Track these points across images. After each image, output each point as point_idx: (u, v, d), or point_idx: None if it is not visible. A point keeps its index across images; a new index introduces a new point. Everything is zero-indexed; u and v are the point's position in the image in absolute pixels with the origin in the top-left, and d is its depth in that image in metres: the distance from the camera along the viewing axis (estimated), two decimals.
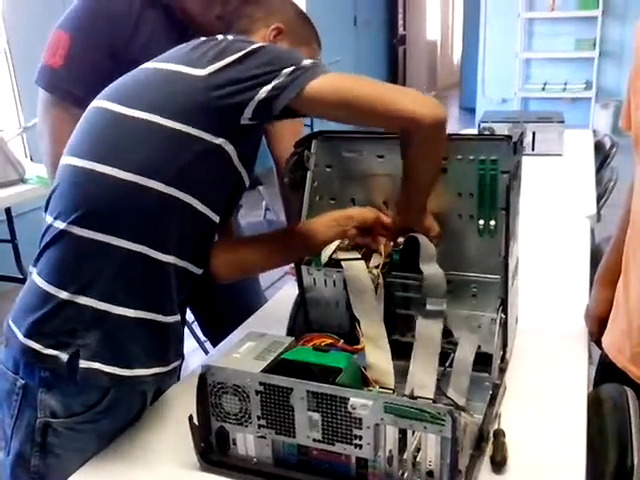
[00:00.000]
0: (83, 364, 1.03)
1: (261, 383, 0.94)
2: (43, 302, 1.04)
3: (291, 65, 1.01)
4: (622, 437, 1.01)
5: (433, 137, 1.05)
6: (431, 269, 1.16)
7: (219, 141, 1.03)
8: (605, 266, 1.39)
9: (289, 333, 1.25)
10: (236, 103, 1.01)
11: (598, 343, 1.35)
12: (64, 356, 1.02)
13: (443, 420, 0.84)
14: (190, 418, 0.99)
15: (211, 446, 1.01)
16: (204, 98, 1.01)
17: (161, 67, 1.06)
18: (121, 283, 1.04)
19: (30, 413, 1.06)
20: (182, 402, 1.05)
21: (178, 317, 1.12)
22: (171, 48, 1.11)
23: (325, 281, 1.29)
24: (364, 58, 8.71)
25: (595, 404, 1.14)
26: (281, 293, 1.68)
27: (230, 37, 1.07)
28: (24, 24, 3.67)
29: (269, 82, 1.00)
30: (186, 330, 2.17)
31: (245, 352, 1.04)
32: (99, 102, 1.08)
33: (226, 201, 1.14)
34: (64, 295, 1.02)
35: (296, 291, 1.32)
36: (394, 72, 9.96)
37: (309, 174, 1.30)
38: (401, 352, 1.21)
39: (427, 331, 1.14)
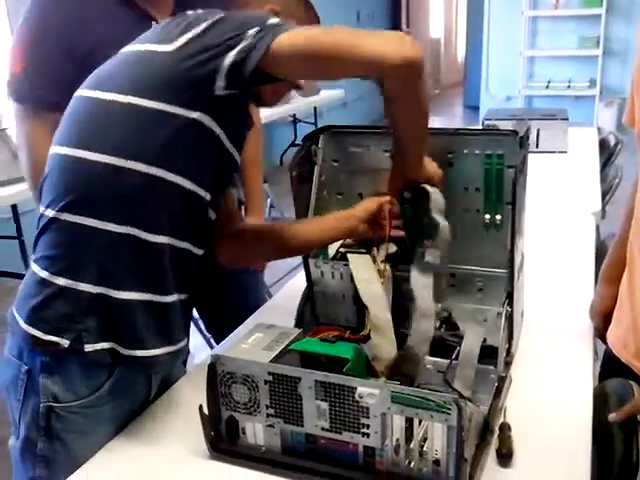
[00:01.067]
0: (88, 347, 1.05)
1: (270, 373, 0.95)
2: (41, 289, 1.06)
3: (256, 26, 0.99)
4: (628, 431, 1.02)
5: (407, 78, 0.99)
6: (442, 220, 1.18)
7: (195, 115, 1.02)
8: (609, 262, 1.40)
9: (297, 326, 1.26)
10: (206, 73, 1.00)
11: (603, 339, 1.36)
12: (65, 342, 1.05)
13: (449, 409, 0.85)
14: (200, 408, 1.00)
15: (221, 435, 1.02)
16: (174, 72, 1.01)
17: (134, 49, 1.06)
18: (114, 266, 1.05)
19: (35, 398, 1.08)
20: (192, 393, 1.06)
21: (177, 297, 1.12)
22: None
23: (332, 274, 1.30)
24: None
25: (600, 398, 1.15)
26: (288, 286, 1.69)
27: (199, 11, 1.05)
28: None
29: (235, 46, 0.98)
30: (192, 327, 2.20)
31: (254, 343, 1.05)
32: (80, 91, 1.09)
33: (215, 178, 1.13)
34: (60, 282, 1.04)
35: (304, 284, 1.34)
36: None
37: (316, 168, 1.32)
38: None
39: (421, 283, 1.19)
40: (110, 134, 1.04)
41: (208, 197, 1.11)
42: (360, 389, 0.90)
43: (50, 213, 1.05)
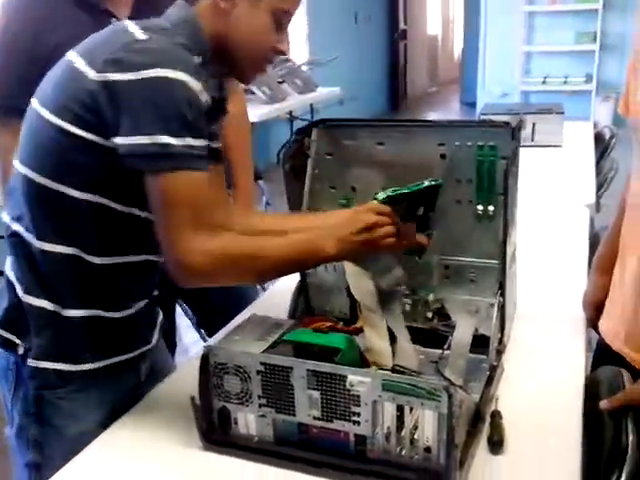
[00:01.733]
0: (31, 363, 1.10)
1: (262, 363, 0.96)
2: (7, 293, 1.12)
3: (159, 133, 0.95)
4: (617, 418, 1.02)
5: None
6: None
7: (112, 143, 0.99)
8: (601, 253, 1.41)
9: (291, 318, 1.27)
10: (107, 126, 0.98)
11: (595, 328, 1.37)
12: (20, 349, 1.10)
13: (439, 396, 0.86)
14: (192, 398, 1.01)
15: (213, 426, 1.03)
16: (90, 100, 0.98)
17: (69, 58, 1.04)
18: (64, 285, 1.08)
19: (24, 387, 1.11)
20: (185, 384, 1.07)
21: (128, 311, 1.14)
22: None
23: (326, 266, 1.31)
24: (365, 53, 8.72)
25: (592, 386, 1.15)
26: (284, 279, 1.69)
27: (136, 36, 1.00)
28: None
29: (129, 135, 0.96)
30: (187, 321, 2.21)
31: (246, 334, 1.05)
32: (32, 100, 1.08)
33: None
34: (19, 292, 1.09)
35: (297, 277, 1.34)
36: (395, 67, 9.97)
37: (310, 161, 1.32)
38: None
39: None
40: (39, 153, 1.04)
41: (142, 213, 1.07)
42: (351, 377, 0.90)
43: (13, 226, 1.09)
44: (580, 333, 1.37)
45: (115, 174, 1.01)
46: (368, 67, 8.86)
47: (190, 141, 0.97)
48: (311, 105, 6.03)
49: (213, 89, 1.07)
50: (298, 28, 6.78)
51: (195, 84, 0.97)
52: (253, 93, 4.93)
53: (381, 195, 1.12)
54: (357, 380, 0.90)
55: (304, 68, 5.89)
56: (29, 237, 1.07)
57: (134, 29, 1.01)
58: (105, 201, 1.04)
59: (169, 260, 1.01)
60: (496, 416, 1.04)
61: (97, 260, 1.07)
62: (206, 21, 1.06)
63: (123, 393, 1.18)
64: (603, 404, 1.04)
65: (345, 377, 0.91)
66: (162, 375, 1.26)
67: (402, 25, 10.03)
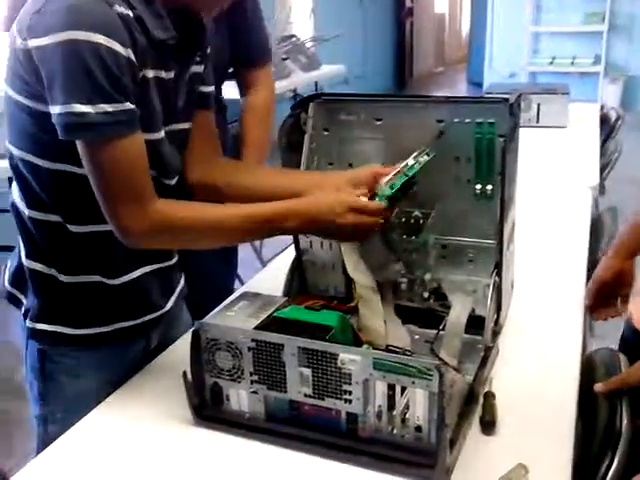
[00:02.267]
0: (29, 324, 1.13)
1: (253, 339, 0.95)
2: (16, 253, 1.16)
3: (72, 101, 0.91)
4: (613, 402, 1.01)
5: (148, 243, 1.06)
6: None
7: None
8: (621, 241, 1.40)
9: (286, 292, 1.26)
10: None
11: (591, 311, 1.36)
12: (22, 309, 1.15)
13: (430, 375, 0.85)
14: (184, 374, 1.00)
15: (205, 402, 1.02)
16: (22, 69, 0.96)
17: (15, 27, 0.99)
18: (56, 251, 1.10)
19: (32, 342, 1.15)
20: (177, 360, 1.06)
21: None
22: None
23: (322, 244, 1.30)
24: (371, 31, 8.63)
25: (588, 369, 1.15)
26: (277, 259, 1.69)
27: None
28: None
29: (51, 103, 0.93)
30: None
31: (238, 310, 1.04)
32: None
33: None
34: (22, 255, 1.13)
35: (292, 256, 1.33)
36: (401, 46, 9.87)
37: (306, 137, 1.30)
38: (402, 317, 1.22)
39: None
40: (11, 127, 1.05)
41: None
42: (342, 355, 0.89)
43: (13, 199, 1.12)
44: (578, 315, 1.36)
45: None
46: (374, 45, 8.77)
47: (105, 107, 0.92)
48: (316, 83, 5.98)
49: (162, 29, 1.00)
50: (302, 3, 6.71)
51: (109, 42, 0.91)
52: None
53: (385, 192, 1.10)
54: (348, 358, 0.89)
55: (308, 45, 5.83)
56: (22, 206, 1.09)
57: None
58: (68, 167, 1.02)
59: (111, 225, 1.01)
60: (489, 397, 1.03)
61: (75, 228, 1.07)
62: None
63: (130, 358, 1.19)
64: (598, 387, 1.03)
65: (336, 355, 0.90)
66: None
67: (409, 3, 9.91)
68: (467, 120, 1.21)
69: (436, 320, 1.23)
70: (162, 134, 1.08)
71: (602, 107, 3.51)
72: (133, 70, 0.96)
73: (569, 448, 0.96)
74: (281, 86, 5.08)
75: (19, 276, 1.15)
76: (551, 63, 7.28)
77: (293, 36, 5.63)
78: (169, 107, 1.09)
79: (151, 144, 1.03)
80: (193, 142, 1.19)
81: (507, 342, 1.23)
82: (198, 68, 1.16)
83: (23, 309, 1.15)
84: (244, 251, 3.35)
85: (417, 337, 1.24)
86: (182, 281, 1.32)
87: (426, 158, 1.16)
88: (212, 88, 1.22)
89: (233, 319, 1.02)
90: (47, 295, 1.12)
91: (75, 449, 1.01)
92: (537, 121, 3.01)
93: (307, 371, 0.93)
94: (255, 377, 0.97)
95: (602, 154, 2.67)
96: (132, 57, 0.95)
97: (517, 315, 1.31)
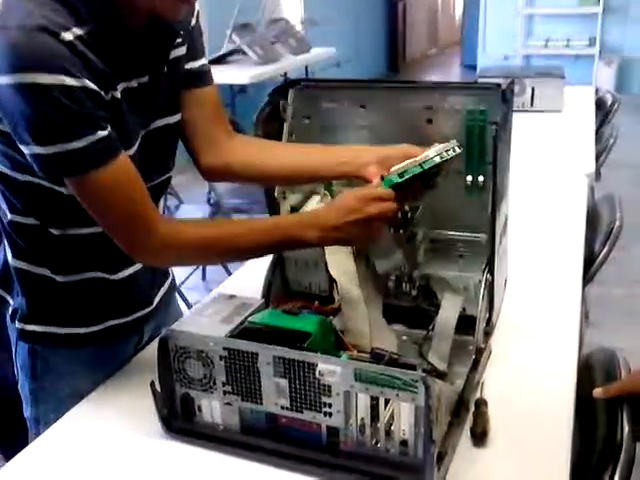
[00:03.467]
0: (18, 325, 1.09)
1: (225, 348, 0.88)
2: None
3: (36, 143, 0.86)
4: (612, 408, 0.95)
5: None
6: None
7: None
8: None
9: (264, 295, 1.18)
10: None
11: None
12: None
13: (416, 387, 0.78)
14: (152, 384, 0.93)
15: (175, 413, 0.95)
16: None
17: None
18: (40, 251, 1.06)
19: (21, 343, 1.11)
20: (146, 369, 0.99)
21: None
22: None
23: None
24: (363, 14, 8.49)
25: (585, 371, 1.08)
26: None
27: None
28: None
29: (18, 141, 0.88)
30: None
31: (211, 315, 0.97)
32: None
33: None
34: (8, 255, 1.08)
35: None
36: (394, 28, 9.74)
37: (285, 126, 1.22)
38: (384, 315, 1.15)
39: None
40: None
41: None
42: (321, 366, 0.82)
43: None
44: (575, 311, 1.30)
45: None
46: (366, 28, 8.64)
47: (74, 144, 0.86)
48: (306, 67, 5.88)
49: (121, 38, 0.93)
50: None
51: (58, 79, 0.83)
52: (245, 54, 4.78)
53: (393, 178, 0.99)
54: (327, 369, 0.82)
55: (298, 28, 5.71)
56: (4, 208, 1.04)
57: None
58: (36, 180, 0.96)
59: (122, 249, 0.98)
60: (481, 405, 0.96)
61: (57, 232, 1.03)
62: None
63: (122, 356, 1.16)
64: (597, 393, 0.96)
65: (314, 365, 0.83)
66: None
67: None
68: (457, 107, 1.13)
69: (424, 319, 1.16)
70: (135, 148, 1.00)
71: (597, 90, 3.43)
72: (95, 97, 0.88)
73: (567, 459, 0.89)
74: (270, 70, 4.99)
75: (4, 275, 1.10)
76: (545, 45, 7.18)
77: (282, 19, 5.52)
78: (149, 110, 1.02)
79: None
80: (195, 125, 1.11)
81: (500, 342, 1.16)
82: (180, 51, 1.06)
83: (10, 309, 1.10)
84: None
85: (404, 338, 1.17)
86: (171, 274, 1.29)
87: (452, 154, 1.02)
88: (204, 61, 1.12)
89: (204, 325, 0.94)
90: (37, 295, 1.08)
91: (33, 466, 0.94)
92: (531, 105, 2.93)
93: (284, 382, 0.86)
94: (228, 387, 0.90)
95: (598, 140, 2.59)
96: (89, 85, 0.87)
97: (510, 313, 1.25)
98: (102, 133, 0.89)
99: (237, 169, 1.14)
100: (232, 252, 1.04)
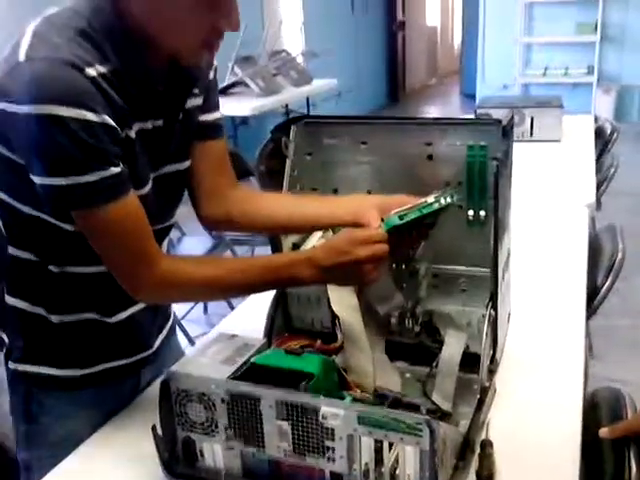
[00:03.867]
0: (11, 365, 1.08)
1: (227, 391, 0.86)
2: None
3: (52, 175, 0.87)
4: (619, 449, 0.93)
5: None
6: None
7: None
8: None
9: (267, 332, 1.18)
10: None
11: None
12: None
13: (420, 431, 0.77)
14: (154, 428, 0.92)
15: (177, 457, 0.93)
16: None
17: None
18: (38, 289, 1.05)
19: (15, 384, 1.10)
20: (147, 411, 0.98)
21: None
22: None
23: None
24: (363, 45, 8.59)
25: (591, 409, 1.07)
26: None
27: (19, 58, 0.86)
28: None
29: (30, 172, 0.89)
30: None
31: (213, 356, 0.96)
32: None
33: None
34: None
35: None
36: (394, 59, 9.84)
37: (288, 162, 1.23)
38: (386, 352, 1.14)
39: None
40: None
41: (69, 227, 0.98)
42: (324, 409, 0.81)
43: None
44: (580, 345, 1.28)
45: None
46: (366, 59, 8.73)
47: (86, 178, 0.87)
48: (307, 98, 5.93)
49: (144, 79, 0.95)
50: (293, 18, 6.67)
51: (79, 114, 0.85)
52: (247, 86, 4.83)
53: (393, 220, 0.99)
54: (330, 412, 0.80)
55: (299, 60, 5.78)
56: (4, 241, 1.04)
57: (25, 41, 0.88)
58: (43, 215, 0.97)
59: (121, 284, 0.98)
60: (486, 446, 0.94)
61: (55, 269, 1.02)
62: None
63: (119, 398, 1.14)
64: (603, 433, 0.95)
65: (317, 408, 0.81)
66: None
67: (400, 16, 9.89)
68: (457, 143, 1.14)
69: (428, 355, 1.15)
70: (148, 187, 1.01)
71: (596, 119, 3.45)
72: (112, 134, 0.90)
73: None
74: (272, 101, 5.04)
75: (1, 313, 1.08)
76: (544, 74, 7.24)
77: (283, 51, 5.59)
78: (160, 153, 1.03)
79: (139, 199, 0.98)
80: (201, 176, 1.12)
81: (504, 379, 1.14)
82: (196, 101, 1.08)
83: (5, 349, 1.09)
84: None
85: (408, 376, 1.16)
86: (172, 316, 1.28)
87: (449, 201, 1.04)
88: (218, 114, 1.13)
89: (206, 366, 0.93)
90: (32, 335, 1.07)
91: None
92: (531, 135, 2.95)
93: (286, 425, 0.84)
94: (230, 431, 0.89)
95: (598, 169, 2.60)
96: (108, 121, 0.89)
97: (514, 349, 1.23)
98: (114, 170, 0.90)
99: (238, 219, 1.15)
100: (231, 290, 1.06)
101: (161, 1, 0.90)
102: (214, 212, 1.14)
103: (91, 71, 0.88)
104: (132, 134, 0.95)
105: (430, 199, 1.02)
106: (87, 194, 0.89)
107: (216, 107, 1.13)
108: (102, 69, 0.90)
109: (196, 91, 1.07)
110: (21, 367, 1.08)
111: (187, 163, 1.09)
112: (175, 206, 1.14)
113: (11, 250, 1.03)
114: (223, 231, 1.12)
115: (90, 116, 0.86)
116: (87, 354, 1.08)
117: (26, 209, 0.97)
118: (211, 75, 1.11)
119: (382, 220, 1.00)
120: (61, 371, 1.08)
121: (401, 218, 0.99)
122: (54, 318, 1.04)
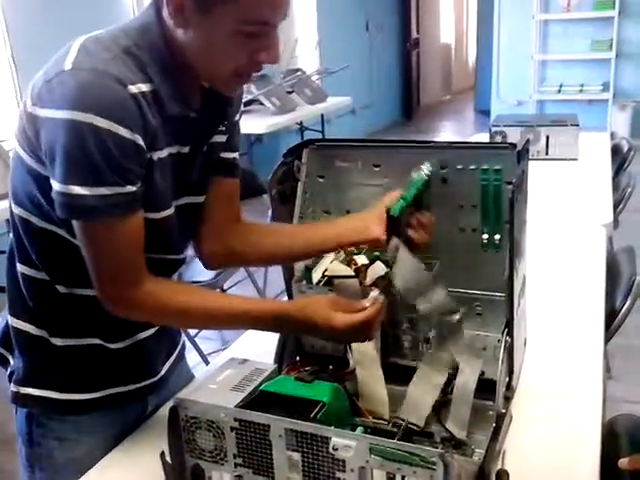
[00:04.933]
0: (13, 387, 1.07)
1: (236, 419, 0.85)
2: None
3: (70, 182, 0.88)
4: (638, 477, 0.91)
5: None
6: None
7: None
8: None
9: (278, 356, 1.16)
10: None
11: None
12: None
13: (434, 464, 0.75)
14: (162, 455, 0.90)
15: None
16: (29, 132, 0.92)
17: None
18: (46, 311, 1.05)
19: (17, 406, 1.10)
20: (156, 436, 0.97)
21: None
22: None
23: None
24: (377, 62, 8.62)
25: (610, 438, 1.04)
26: None
27: (64, 66, 0.88)
28: (28, 32, 3.64)
29: (51, 178, 0.90)
30: (188, 343, 2.12)
31: (222, 382, 0.95)
32: None
33: None
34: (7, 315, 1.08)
35: None
36: (408, 76, 9.86)
37: (300, 185, 1.22)
38: (400, 377, 1.13)
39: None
40: (15, 184, 1.01)
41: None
42: (335, 440, 0.79)
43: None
44: (597, 370, 1.26)
45: None
46: (380, 76, 8.76)
47: (103, 190, 0.88)
48: (322, 115, 5.95)
49: (180, 104, 0.96)
50: (308, 36, 6.71)
51: (113, 127, 0.86)
52: (262, 104, 4.85)
53: (396, 208, 1.04)
54: (342, 444, 0.79)
55: (314, 78, 5.80)
56: (16, 259, 1.04)
57: (72, 54, 0.90)
58: (60, 231, 0.97)
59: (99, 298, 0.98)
60: (502, 476, 0.92)
61: (63, 289, 1.02)
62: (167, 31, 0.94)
63: (123, 423, 1.13)
64: (623, 464, 0.92)
65: (328, 439, 0.80)
66: None
67: (415, 34, 9.92)
68: (472, 166, 1.12)
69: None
70: (169, 212, 1.01)
71: (612, 135, 3.42)
72: (140, 154, 0.91)
73: None
74: (287, 119, 5.05)
75: (7, 335, 1.08)
76: (559, 91, 7.21)
77: (298, 70, 5.61)
78: (181, 181, 1.03)
79: (155, 223, 0.98)
80: (211, 212, 1.13)
81: (520, 406, 1.12)
82: (221, 138, 1.09)
83: (9, 370, 1.09)
84: (246, 290, 3.27)
85: None
86: (181, 342, 1.27)
87: (431, 169, 1.10)
88: (237, 155, 1.15)
89: (215, 394, 0.92)
90: (35, 358, 1.06)
91: None
92: (546, 153, 2.92)
93: (296, 455, 0.83)
94: (239, 460, 0.87)
95: (615, 188, 2.57)
96: (140, 142, 0.90)
97: (530, 374, 1.21)
98: (131, 188, 0.91)
99: (241, 251, 1.15)
100: (207, 323, 1.09)
101: (205, 26, 0.90)
102: (217, 250, 1.15)
103: (133, 88, 0.89)
104: (162, 154, 0.96)
105: (414, 176, 1.10)
106: (98, 207, 0.89)
107: (237, 148, 1.15)
108: (144, 88, 0.91)
109: (222, 129, 1.08)
110: (23, 390, 1.07)
111: (203, 198, 1.10)
112: (190, 238, 1.14)
113: (20, 268, 1.03)
114: (223, 267, 1.13)
115: (124, 132, 0.88)
116: (91, 379, 1.07)
117: (41, 223, 0.98)
118: (237, 117, 1.13)
119: (387, 213, 1.04)
120: (63, 395, 1.07)
121: (404, 198, 1.04)
122: (56, 341, 1.04)
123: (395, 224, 1.05)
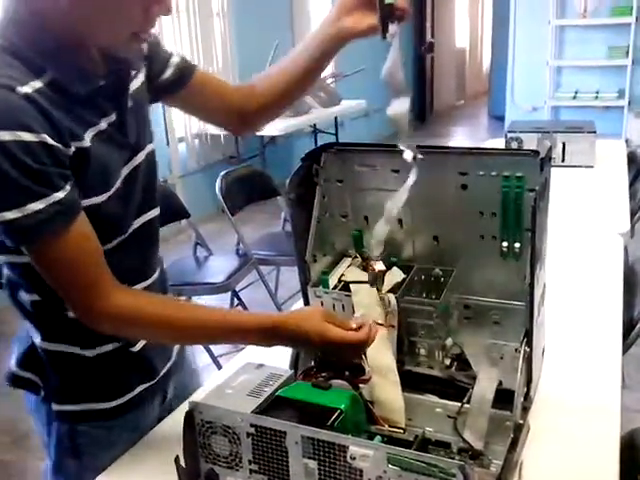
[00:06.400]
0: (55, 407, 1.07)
1: (252, 425, 0.84)
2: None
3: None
4: None
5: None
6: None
7: None
8: None
9: (293, 362, 1.15)
10: None
11: None
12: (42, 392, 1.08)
13: (453, 476, 0.74)
14: (177, 459, 0.90)
15: None
16: None
17: None
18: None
19: (56, 421, 1.09)
20: (170, 439, 0.96)
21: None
22: None
23: (334, 305, 1.19)
24: None
25: (628, 449, 1.02)
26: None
27: None
28: None
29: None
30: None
31: (238, 387, 0.94)
32: None
33: None
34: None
35: None
36: (422, 80, 9.84)
37: (318, 189, 1.21)
38: (415, 384, 1.12)
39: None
40: None
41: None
42: (352, 449, 0.78)
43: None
44: (615, 379, 1.24)
45: None
46: None
47: (34, 206, 0.84)
48: (335, 118, 5.94)
49: (83, 80, 0.91)
50: None
51: (15, 135, 0.81)
52: None
53: None
54: (359, 453, 0.78)
55: (329, 81, 5.80)
56: (24, 290, 1.02)
57: None
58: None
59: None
60: None
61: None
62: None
63: (153, 415, 1.18)
64: None
65: (345, 447, 0.79)
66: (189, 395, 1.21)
67: (429, 38, 9.90)
68: (493, 173, 1.11)
69: (458, 390, 1.11)
70: (119, 183, 0.98)
71: (627, 141, 3.39)
72: (54, 153, 0.86)
73: None
74: (300, 121, 5.06)
75: (33, 359, 1.07)
76: (574, 97, 7.17)
77: None
78: (124, 146, 1.00)
79: (99, 206, 0.95)
80: (208, 106, 1.20)
81: (538, 416, 1.10)
82: (137, 81, 1.05)
83: (43, 392, 1.08)
84: (258, 292, 3.26)
85: (438, 410, 1.12)
86: None
87: None
88: (175, 59, 1.14)
89: (231, 399, 0.91)
90: (72, 374, 1.06)
91: None
92: (562, 160, 2.90)
93: (313, 463, 0.82)
94: (255, 466, 0.86)
95: (631, 196, 2.54)
96: (49, 141, 0.85)
97: (548, 384, 1.19)
98: (58, 195, 0.86)
99: (259, 97, 1.23)
100: (182, 336, 1.05)
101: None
102: (233, 116, 1.23)
103: (25, 88, 0.84)
104: (86, 143, 0.91)
105: None
106: (35, 225, 0.85)
107: (169, 57, 1.13)
108: (37, 84, 0.86)
109: (133, 72, 1.04)
110: (65, 407, 1.07)
111: (151, 146, 1.08)
112: (153, 192, 1.10)
113: (28, 297, 1.02)
114: (256, 125, 1.28)
115: (28, 137, 0.82)
116: (123, 381, 1.10)
117: (15, 259, 0.95)
118: (145, 49, 1.08)
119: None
120: (105, 404, 1.08)
121: None
122: (88, 353, 1.04)
123: (388, 11, 1.18)
